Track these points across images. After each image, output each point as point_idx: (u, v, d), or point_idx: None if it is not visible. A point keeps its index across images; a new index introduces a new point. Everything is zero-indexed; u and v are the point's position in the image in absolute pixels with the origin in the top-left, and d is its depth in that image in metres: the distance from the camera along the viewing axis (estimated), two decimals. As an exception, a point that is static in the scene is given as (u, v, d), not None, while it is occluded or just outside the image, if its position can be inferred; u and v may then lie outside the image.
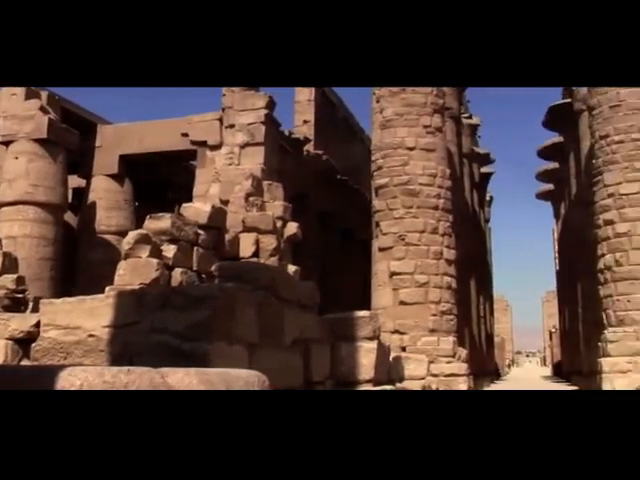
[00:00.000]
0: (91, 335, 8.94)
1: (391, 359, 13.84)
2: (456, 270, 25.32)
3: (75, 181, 31.38)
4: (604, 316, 24.49)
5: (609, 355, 23.61)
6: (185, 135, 27.91)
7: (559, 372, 60.30)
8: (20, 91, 26.98)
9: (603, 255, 24.64)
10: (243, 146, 26.31)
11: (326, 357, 11.31)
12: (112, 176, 30.00)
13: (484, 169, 54.16)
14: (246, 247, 17.74)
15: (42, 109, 26.86)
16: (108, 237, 29.24)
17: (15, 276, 18.15)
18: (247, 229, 17.94)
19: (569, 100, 37.67)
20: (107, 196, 29.91)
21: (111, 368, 4.41)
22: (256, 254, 17.79)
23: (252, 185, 19.42)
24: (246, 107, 26.87)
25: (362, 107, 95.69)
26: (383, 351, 12.60)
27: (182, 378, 4.44)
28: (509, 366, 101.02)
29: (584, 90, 30.19)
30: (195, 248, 15.76)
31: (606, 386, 22.87)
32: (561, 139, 43.81)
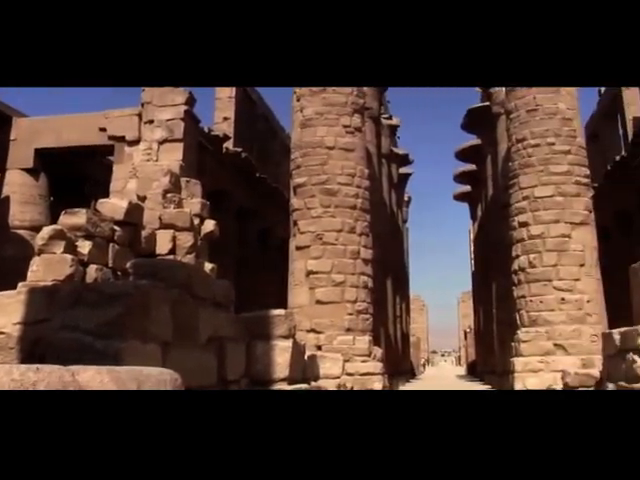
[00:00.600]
0: (1, 332, 8.76)
1: (306, 358, 13.86)
2: (373, 270, 25.46)
3: (-13, 176, 30.64)
4: (517, 316, 24.94)
5: (521, 355, 24.03)
6: (103, 130, 27.42)
7: (473, 371, 61.13)
8: None
9: (517, 257, 25.09)
10: (162, 142, 26.03)
11: (241, 356, 11.27)
12: (27, 170, 29.12)
13: (403, 170, 54.66)
14: (163, 244, 17.57)
15: (-48, 102, 26.25)
16: (22, 232, 28.38)
17: None
18: (164, 226, 17.77)
19: (487, 103, 38.21)
20: (21, 190, 29.04)
21: (20, 366, 4.31)
22: (173, 251, 17.64)
23: (170, 182, 19.24)
24: (165, 103, 26.60)
25: (282, 105, 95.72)
26: (298, 350, 12.62)
27: (93, 376, 4.37)
28: (424, 365, 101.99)
29: (502, 94, 30.67)
30: (111, 244, 15.55)
31: (518, 385, 23.27)
32: (479, 142, 44.38)
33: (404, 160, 53.47)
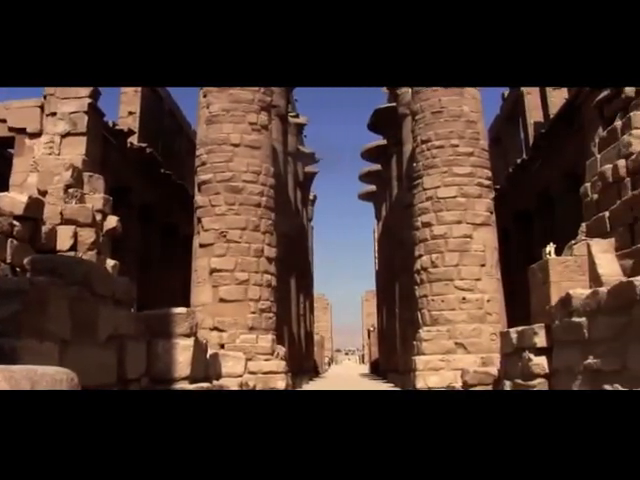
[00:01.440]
0: None
1: (208, 356, 13.76)
2: (277, 268, 25.47)
3: None
4: (419, 315, 25.24)
5: (423, 353, 24.33)
6: (3, 121, 26.71)
7: (377, 370, 61.59)
8: None
9: (420, 256, 25.38)
10: (64, 135, 25.46)
11: (142, 354, 11.11)
12: None
13: (308, 168, 54.76)
14: (64, 240, 17.26)
15: None
16: None
17: None
18: (65, 221, 17.47)
19: (394, 104, 38.52)
20: None
21: None
22: (74, 248, 17.35)
23: (72, 176, 18.93)
24: (69, 95, 25.99)
25: (189, 101, 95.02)
26: (200, 348, 12.51)
27: (-17, 375, 4.24)
28: (329, 364, 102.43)
29: (408, 95, 30.99)
30: (9, 240, 15.17)
31: (419, 383, 23.54)
32: (385, 142, 44.72)
33: (310, 159, 53.58)
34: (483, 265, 24.42)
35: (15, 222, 15.41)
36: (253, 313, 23.53)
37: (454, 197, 24.86)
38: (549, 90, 35.39)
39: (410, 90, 29.14)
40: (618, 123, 16.02)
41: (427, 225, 25.19)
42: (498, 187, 33.98)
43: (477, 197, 25.03)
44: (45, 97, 26.24)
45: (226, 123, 25.01)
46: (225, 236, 23.73)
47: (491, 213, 25.31)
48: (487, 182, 25.56)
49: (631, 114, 15.55)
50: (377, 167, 51.17)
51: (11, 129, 26.39)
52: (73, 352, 8.73)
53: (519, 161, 36.49)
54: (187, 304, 22.96)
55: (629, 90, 16.35)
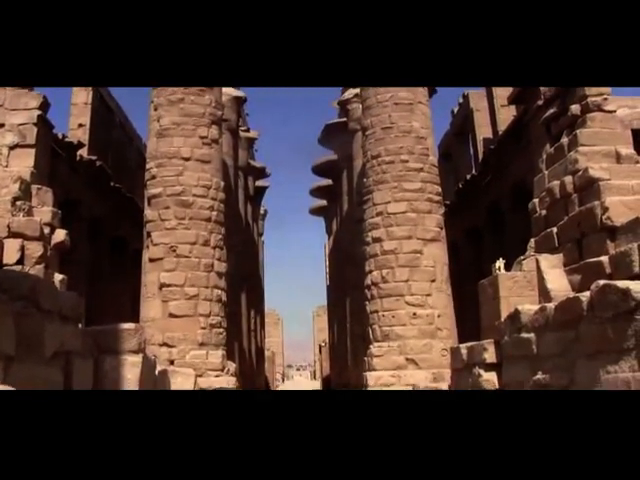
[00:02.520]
0: None
1: (157, 373, 13.63)
2: (227, 283, 25.30)
3: None
4: (370, 331, 25.24)
5: (374, 369, 24.31)
6: (-52, 131, 26.44)
7: (328, 386, 61.51)
8: None
9: (371, 272, 25.41)
10: (12, 147, 25.15)
11: (89, 371, 10.97)
12: None
13: (259, 182, 54.68)
14: (10, 254, 17.04)
15: None
16: None
17: None
18: (12, 235, 17.25)
19: (345, 119, 38.62)
20: None
21: None
22: (21, 261, 17.13)
23: (20, 189, 18.72)
24: (18, 106, 25.70)
25: (140, 113, 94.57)
26: (149, 365, 12.39)
27: None
28: (282, 380, 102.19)
29: (359, 110, 31.04)
30: (-47, 253, 14.98)
31: (370, 400, 23.47)
32: (336, 157, 44.79)
33: (261, 173, 53.53)
34: (433, 281, 24.51)
35: (-40, 235, 15.20)
36: (203, 328, 23.31)
37: (404, 212, 24.94)
38: (498, 107, 35.75)
39: (360, 106, 29.18)
40: (565, 140, 16.26)
41: (377, 240, 25.24)
42: (448, 202, 34.20)
43: (427, 212, 25.14)
44: (-6, 108, 25.93)
45: (177, 137, 24.83)
46: (175, 251, 23.52)
47: (441, 229, 25.44)
48: (437, 197, 25.70)
49: (577, 131, 15.79)
50: (328, 182, 51.23)
51: None
52: (18, 369, 8.59)
53: (469, 177, 36.74)
54: (136, 319, 22.72)
55: (575, 108, 16.59)
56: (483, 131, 38.71)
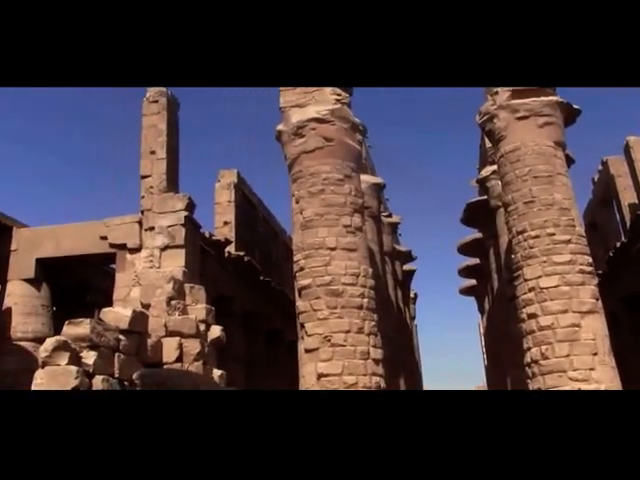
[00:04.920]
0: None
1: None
2: (384, 369, 25.07)
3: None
4: (532, 410, 24.46)
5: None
6: (104, 238, 27.61)
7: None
8: None
9: (529, 349, 24.75)
10: (163, 248, 26.10)
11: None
12: (28, 280, 29.30)
13: (406, 266, 54.59)
14: (169, 352, 17.39)
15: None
16: (25, 344, 28.31)
17: None
18: (170, 333, 17.64)
19: (485, 197, 38.36)
20: (23, 301, 29.04)
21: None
22: (180, 359, 17.45)
23: (173, 288, 19.19)
24: (165, 209, 26.75)
25: (282, 207, 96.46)
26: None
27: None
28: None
29: (498, 187, 30.78)
30: (116, 354, 15.37)
31: None
32: (480, 235, 44.44)
33: (407, 257, 53.50)
34: (595, 354, 23.60)
35: (121, 336, 15.64)
36: (363, 417, 23.08)
37: (557, 286, 24.29)
38: (639, 170, 35.03)
39: (500, 182, 28.88)
40: None
41: (532, 316, 24.61)
42: (600, 272, 33.29)
43: (580, 284, 24.42)
44: (142, 212, 27.09)
45: (321, 227, 25.06)
46: (329, 340, 23.50)
47: (597, 299, 24.63)
48: (589, 268, 24.97)
49: None
50: (475, 261, 50.79)
51: (112, 245, 27.34)
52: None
53: (618, 244, 35.78)
54: (294, 411, 22.70)
55: None
56: (627, 196, 37.89)
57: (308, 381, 23.71)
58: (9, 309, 29.12)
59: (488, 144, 33.10)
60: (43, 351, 13.89)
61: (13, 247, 29.65)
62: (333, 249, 24.78)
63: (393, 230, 49.17)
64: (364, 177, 32.52)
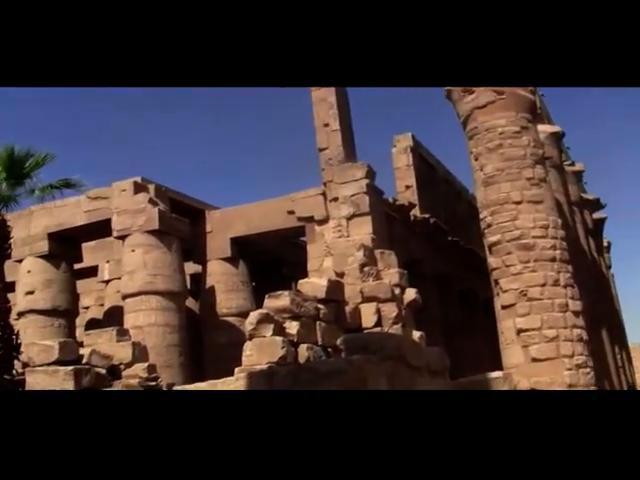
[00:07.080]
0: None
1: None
2: (585, 321, 24.35)
3: (192, 267, 32.83)
4: None
5: None
6: (291, 212, 28.37)
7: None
8: (129, 186, 28.24)
9: None
10: (350, 217, 26.48)
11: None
12: (226, 259, 31.13)
13: (596, 215, 52.85)
14: (367, 317, 17.69)
15: (151, 201, 27.84)
16: (230, 319, 30.20)
17: (146, 364, 18.34)
18: (366, 299, 17.90)
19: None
20: (224, 279, 31.02)
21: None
22: (378, 323, 17.69)
23: (364, 255, 19.40)
24: (346, 179, 27.15)
25: (460, 166, 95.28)
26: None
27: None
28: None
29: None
30: (317, 322, 15.83)
31: None
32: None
33: (596, 205, 51.79)
34: None
35: (319, 305, 16.01)
36: (569, 370, 22.47)
37: None
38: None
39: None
40: None
41: None
42: None
43: None
44: (325, 184, 27.40)
45: (503, 182, 24.52)
46: (526, 295, 23.01)
47: None
48: None
49: None
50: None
51: (300, 219, 28.10)
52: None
53: None
54: (495, 368, 22.46)
55: None
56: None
57: (507, 337, 23.36)
58: (212, 287, 31.08)
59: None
60: (249, 324, 14.48)
61: (208, 229, 31.40)
62: (519, 203, 24.23)
63: (578, 179, 47.64)
64: (541, 127, 31.58)
